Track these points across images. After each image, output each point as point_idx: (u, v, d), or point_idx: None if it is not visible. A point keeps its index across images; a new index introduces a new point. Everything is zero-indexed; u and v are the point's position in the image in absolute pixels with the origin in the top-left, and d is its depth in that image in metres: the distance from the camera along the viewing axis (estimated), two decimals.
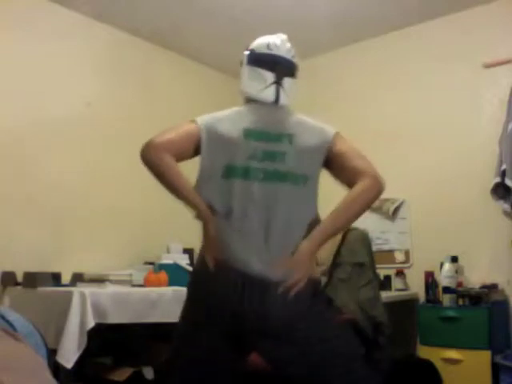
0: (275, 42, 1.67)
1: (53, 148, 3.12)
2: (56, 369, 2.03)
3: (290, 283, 1.48)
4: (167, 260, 2.98)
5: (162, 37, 3.70)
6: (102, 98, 3.40)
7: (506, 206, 2.99)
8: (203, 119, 1.60)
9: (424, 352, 2.94)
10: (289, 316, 1.48)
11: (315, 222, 1.56)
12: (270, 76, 1.65)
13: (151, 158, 1.52)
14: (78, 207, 3.19)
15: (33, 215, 2.97)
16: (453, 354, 2.81)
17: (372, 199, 1.54)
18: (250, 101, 1.69)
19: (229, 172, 1.55)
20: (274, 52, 1.66)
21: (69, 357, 2.10)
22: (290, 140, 1.58)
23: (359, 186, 1.51)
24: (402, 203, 3.52)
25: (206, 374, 1.52)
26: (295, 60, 1.71)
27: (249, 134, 1.58)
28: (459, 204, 3.23)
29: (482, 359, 2.71)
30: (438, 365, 2.80)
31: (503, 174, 2.95)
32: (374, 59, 3.74)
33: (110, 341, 2.70)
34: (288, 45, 1.70)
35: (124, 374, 2.52)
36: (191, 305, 1.58)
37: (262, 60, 1.66)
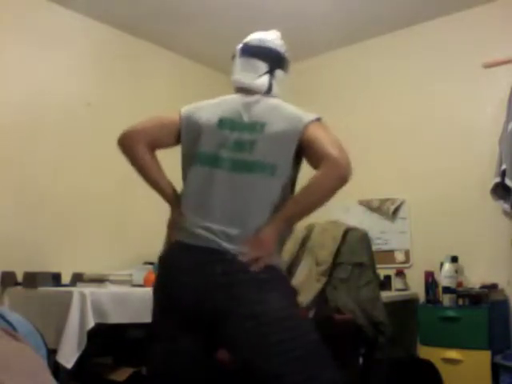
0: (268, 36, 1.74)
1: (53, 148, 3.12)
2: (56, 369, 2.04)
3: (250, 258, 1.46)
4: None
5: (162, 37, 3.70)
6: (102, 98, 3.40)
7: (506, 206, 2.99)
8: (186, 108, 1.67)
9: (424, 352, 2.94)
10: (240, 296, 1.46)
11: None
12: (263, 66, 1.68)
13: (124, 146, 1.64)
14: (78, 207, 3.19)
15: (33, 215, 2.97)
16: (453, 354, 2.80)
17: (333, 185, 1.46)
18: (239, 91, 1.71)
19: (199, 159, 1.59)
20: (267, 44, 1.71)
21: (69, 357, 2.10)
22: (261, 128, 1.57)
23: (319, 172, 1.47)
24: (402, 203, 3.52)
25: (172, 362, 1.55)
26: (286, 55, 1.75)
27: (223, 122, 1.60)
28: (459, 204, 3.22)
29: (482, 359, 2.71)
30: (438, 365, 2.79)
31: (503, 173, 2.95)
32: (374, 59, 3.73)
33: (109, 341, 2.70)
34: (281, 41, 1.76)
35: (124, 373, 2.52)
36: (156, 290, 1.61)
37: (256, 51, 1.70)
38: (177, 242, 1.57)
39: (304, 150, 1.55)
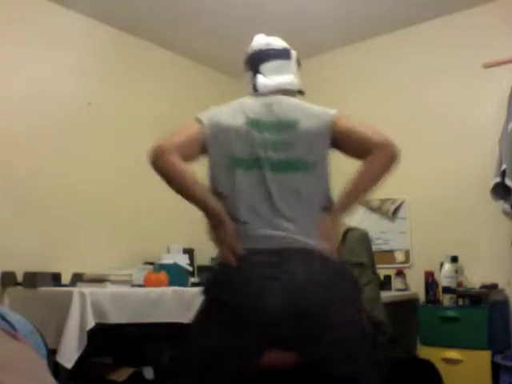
0: (251, 47, 1.79)
1: (53, 148, 3.12)
2: (56, 369, 2.03)
3: (321, 249, 1.47)
4: (167, 260, 2.98)
5: (162, 37, 3.70)
6: (102, 98, 3.40)
7: (506, 206, 2.99)
8: (206, 116, 1.61)
9: (424, 352, 2.94)
10: (326, 293, 1.44)
11: (330, 203, 1.58)
12: (250, 73, 1.76)
13: (161, 163, 1.50)
14: (78, 207, 3.19)
15: (33, 215, 2.96)
16: (453, 354, 2.81)
17: (386, 166, 1.55)
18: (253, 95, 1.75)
19: (236, 164, 1.55)
20: (250, 52, 1.78)
21: (69, 357, 2.10)
22: (293, 127, 1.58)
23: (371, 157, 1.53)
24: (402, 203, 3.52)
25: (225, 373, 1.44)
26: (272, 46, 1.76)
27: (252, 124, 1.59)
28: (459, 204, 3.23)
29: (482, 359, 2.71)
30: (438, 365, 2.79)
31: (503, 174, 2.95)
32: (373, 59, 3.73)
33: (109, 341, 2.70)
34: (263, 40, 1.78)
35: (124, 373, 2.52)
36: (218, 305, 1.48)
37: (246, 65, 1.79)
38: (254, 250, 1.47)
39: (340, 141, 1.60)
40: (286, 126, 1.59)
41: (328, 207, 1.56)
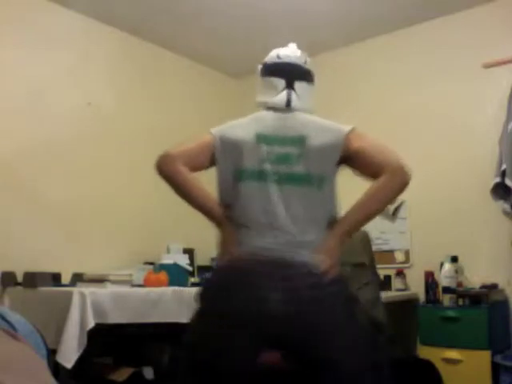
0: (285, 51, 1.74)
1: (52, 148, 3.12)
2: (56, 369, 2.03)
3: (323, 268, 1.48)
4: (167, 260, 2.98)
5: (162, 37, 3.70)
6: (102, 98, 3.40)
7: (506, 206, 2.99)
8: (216, 129, 1.65)
9: (424, 352, 2.94)
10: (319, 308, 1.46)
11: (335, 221, 1.58)
12: (281, 82, 1.69)
13: (166, 169, 1.56)
14: (78, 207, 3.19)
15: (33, 215, 2.96)
16: (453, 354, 2.81)
17: (396, 191, 1.58)
18: (268, 109, 1.71)
19: (244, 176, 1.57)
20: (284, 60, 1.72)
21: (69, 357, 2.10)
22: (302, 142, 1.58)
23: (381, 179, 1.54)
24: (401, 203, 3.52)
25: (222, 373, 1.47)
26: (307, 65, 1.74)
27: (261, 138, 1.60)
28: (459, 204, 3.23)
29: (482, 359, 2.71)
30: (438, 365, 2.79)
31: (503, 174, 2.95)
32: (374, 59, 3.73)
33: (109, 341, 2.70)
34: (298, 52, 1.75)
35: (124, 373, 2.53)
36: (218, 302, 1.52)
37: (273, 69, 1.72)
38: (248, 258, 1.51)
39: (354, 160, 1.60)
40: (293, 141, 1.59)
41: (332, 224, 1.56)
